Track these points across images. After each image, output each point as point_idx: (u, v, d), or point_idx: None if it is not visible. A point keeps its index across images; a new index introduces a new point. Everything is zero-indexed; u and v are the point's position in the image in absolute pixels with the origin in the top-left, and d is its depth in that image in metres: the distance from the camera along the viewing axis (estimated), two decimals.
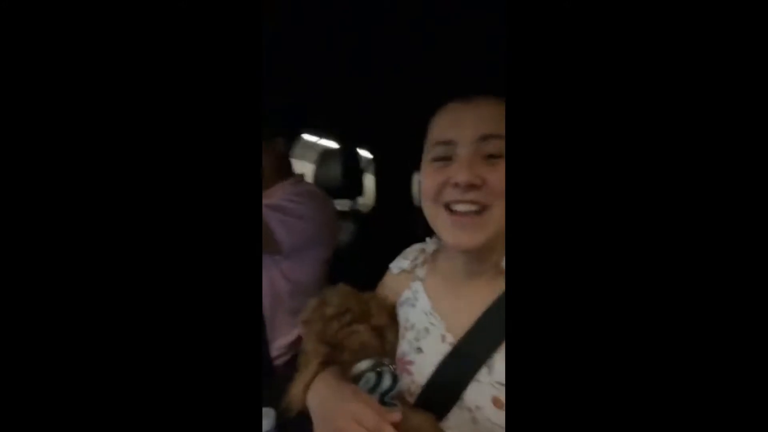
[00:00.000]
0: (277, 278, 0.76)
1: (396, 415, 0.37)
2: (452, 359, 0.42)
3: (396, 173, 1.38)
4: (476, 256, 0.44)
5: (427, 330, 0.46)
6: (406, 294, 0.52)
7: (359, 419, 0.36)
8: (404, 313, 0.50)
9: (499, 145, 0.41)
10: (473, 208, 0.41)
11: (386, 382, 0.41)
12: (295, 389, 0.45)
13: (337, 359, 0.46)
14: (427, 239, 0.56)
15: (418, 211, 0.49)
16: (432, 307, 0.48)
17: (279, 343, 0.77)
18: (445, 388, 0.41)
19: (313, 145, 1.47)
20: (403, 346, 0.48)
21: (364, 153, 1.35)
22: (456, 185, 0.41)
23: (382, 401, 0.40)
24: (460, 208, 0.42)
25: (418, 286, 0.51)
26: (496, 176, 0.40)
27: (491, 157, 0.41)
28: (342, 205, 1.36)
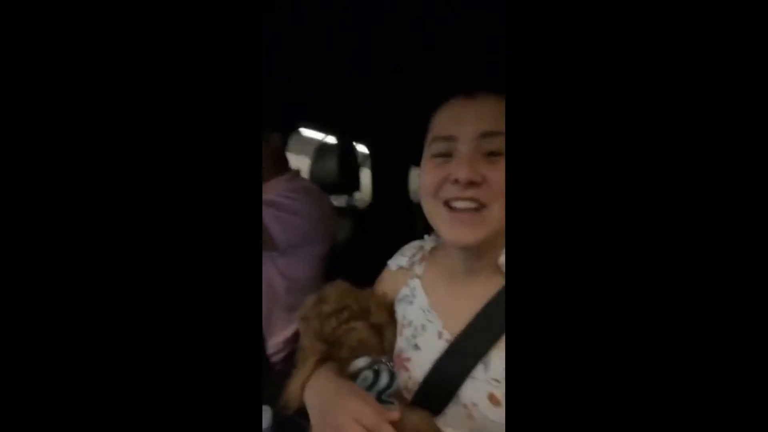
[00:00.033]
0: (273, 275, 0.76)
1: (395, 414, 0.37)
2: (449, 356, 0.42)
3: (393, 169, 1.37)
4: (474, 254, 0.44)
5: (424, 327, 0.46)
6: (404, 291, 0.52)
7: (358, 417, 0.36)
8: (402, 310, 0.50)
9: (500, 143, 0.40)
10: (472, 205, 0.41)
11: (383, 380, 0.41)
12: (293, 386, 0.45)
13: (334, 356, 0.46)
14: (426, 236, 0.56)
15: (416, 207, 0.49)
16: (429, 304, 0.48)
17: (275, 340, 0.77)
18: (442, 385, 0.42)
19: (310, 139, 1.46)
20: (401, 343, 0.48)
21: (361, 148, 1.34)
22: (456, 182, 0.41)
23: (379, 399, 0.40)
24: (459, 204, 0.41)
25: (415, 283, 0.51)
26: (496, 174, 0.40)
27: (492, 154, 0.41)
28: (338, 200, 1.36)
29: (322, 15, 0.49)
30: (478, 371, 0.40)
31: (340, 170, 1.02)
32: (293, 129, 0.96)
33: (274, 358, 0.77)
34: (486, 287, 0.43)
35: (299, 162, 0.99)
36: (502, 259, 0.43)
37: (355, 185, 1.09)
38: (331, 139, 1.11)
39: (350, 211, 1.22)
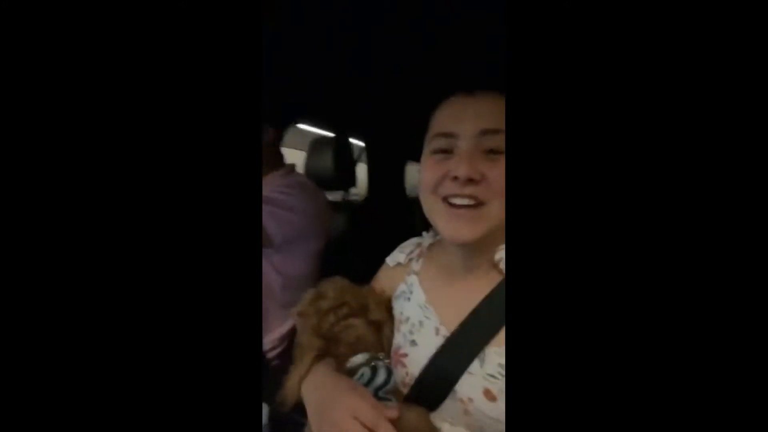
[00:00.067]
0: (268, 271, 0.75)
1: (393, 412, 0.37)
2: (445, 352, 0.42)
3: (389, 164, 1.37)
4: (472, 250, 0.44)
5: (421, 323, 0.46)
6: (402, 287, 0.52)
7: (356, 413, 0.36)
8: (399, 306, 0.51)
9: (499, 141, 0.40)
10: (471, 202, 0.41)
11: (381, 377, 0.42)
12: (290, 382, 0.45)
13: (332, 353, 0.46)
14: (424, 233, 0.56)
15: (413, 203, 0.49)
16: (427, 300, 0.48)
17: (271, 337, 0.77)
18: (438, 380, 0.42)
19: (306, 133, 1.44)
20: (398, 339, 0.48)
21: (357, 143, 1.33)
22: (455, 179, 0.41)
23: (376, 396, 0.40)
24: (458, 201, 0.41)
25: (413, 279, 0.51)
26: (496, 172, 0.40)
27: (491, 152, 0.41)
28: (334, 195, 1.35)
29: (322, 14, 0.49)
30: (474, 367, 0.40)
31: (335, 165, 1.01)
32: (289, 125, 0.95)
33: (270, 355, 0.77)
34: (483, 284, 0.43)
35: (295, 157, 0.98)
36: (498, 255, 0.43)
37: (351, 181, 1.08)
38: (327, 134, 1.10)
39: (346, 206, 1.22)
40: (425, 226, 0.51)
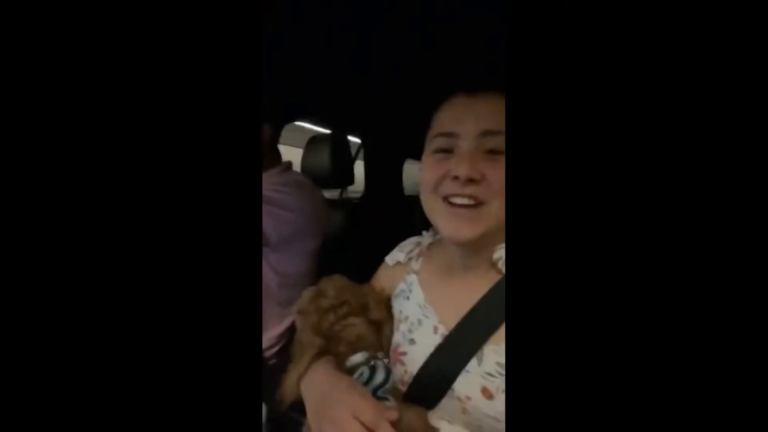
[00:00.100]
0: (265, 270, 0.75)
1: (393, 413, 0.37)
2: (443, 350, 0.43)
3: (387, 161, 1.36)
4: (471, 249, 0.44)
5: (420, 322, 0.47)
6: (401, 286, 0.52)
7: (357, 413, 0.36)
8: (399, 305, 0.51)
9: (500, 142, 0.41)
10: (471, 202, 0.41)
11: (379, 376, 0.42)
12: (290, 380, 0.45)
13: (332, 351, 0.46)
14: (423, 232, 0.56)
15: (411, 200, 0.49)
16: (426, 298, 0.48)
17: (268, 335, 0.77)
18: (437, 379, 0.42)
19: (303, 130, 1.43)
20: (397, 338, 0.48)
21: (354, 140, 1.33)
22: (455, 178, 0.41)
23: (375, 395, 0.40)
24: (458, 201, 0.42)
25: (413, 278, 0.51)
26: (496, 172, 0.40)
27: (492, 152, 0.41)
28: (331, 193, 1.34)
29: (322, 14, 0.49)
30: (472, 365, 0.40)
31: (333, 163, 1.00)
32: (288, 122, 0.94)
33: (267, 353, 0.77)
34: (481, 283, 0.43)
35: (292, 154, 0.97)
36: (497, 254, 0.43)
37: (349, 178, 1.08)
38: (325, 132, 1.09)
39: (343, 204, 1.22)
40: (424, 224, 0.51)
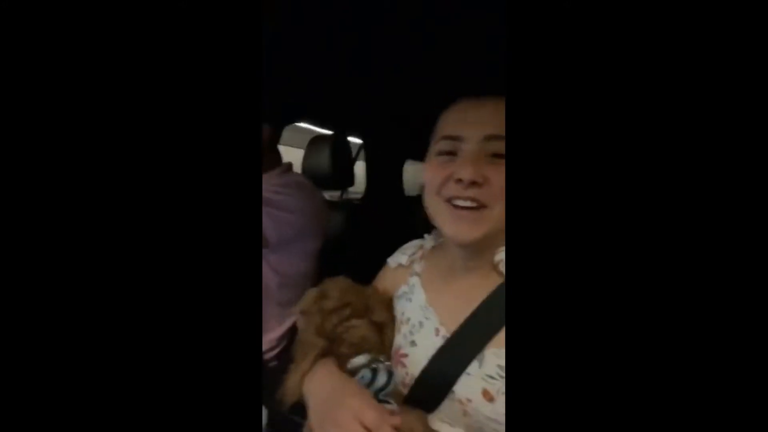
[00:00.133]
0: (265, 271, 0.75)
1: (396, 419, 0.37)
2: (444, 352, 0.43)
3: (387, 162, 1.36)
4: (473, 251, 0.45)
5: (421, 324, 0.46)
6: (403, 288, 0.52)
7: (360, 417, 0.36)
8: (401, 307, 0.51)
9: (504, 146, 0.41)
10: (473, 204, 0.41)
11: (381, 379, 0.42)
12: (292, 380, 0.45)
13: (334, 352, 0.46)
14: (426, 235, 0.56)
15: (411, 201, 0.49)
16: (427, 301, 0.48)
17: (268, 337, 0.77)
18: (437, 381, 0.42)
19: (304, 130, 1.44)
20: (399, 340, 0.48)
21: (355, 141, 1.33)
22: (459, 181, 0.41)
23: (376, 398, 0.40)
24: (460, 203, 0.42)
25: (415, 280, 0.51)
26: (499, 176, 0.40)
27: (495, 156, 0.41)
28: (332, 194, 1.34)
29: (322, 14, 0.49)
30: (473, 368, 0.40)
31: (333, 164, 1.00)
32: (288, 123, 0.94)
33: (267, 355, 0.77)
34: (483, 285, 0.43)
35: (293, 154, 0.97)
36: (497, 257, 0.43)
37: (349, 179, 1.08)
38: (325, 132, 1.09)
39: (344, 205, 1.22)
40: (425, 226, 0.51)
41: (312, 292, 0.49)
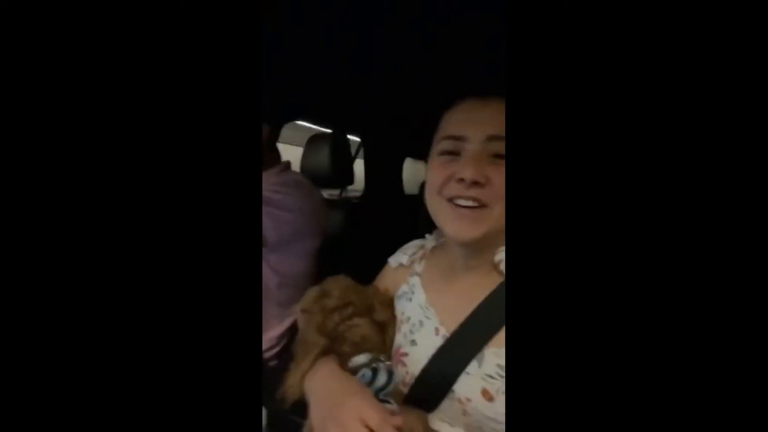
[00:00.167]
0: (265, 271, 0.75)
1: (398, 419, 0.37)
2: (444, 352, 0.43)
3: (387, 161, 1.36)
4: (474, 250, 0.45)
5: (421, 323, 0.47)
6: (404, 288, 0.53)
7: (362, 417, 0.36)
8: (401, 307, 0.51)
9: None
10: (475, 204, 0.41)
11: (382, 378, 0.42)
12: (292, 379, 0.45)
13: (335, 351, 0.46)
14: (427, 235, 0.56)
15: (411, 200, 0.49)
16: (427, 300, 0.48)
17: (268, 336, 0.77)
18: (437, 380, 0.42)
19: (303, 129, 1.43)
20: (399, 339, 0.48)
21: (354, 139, 1.33)
22: (461, 181, 0.41)
23: (377, 397, 0.40)
24: (462, 203, 0.42)
25: (415, 280, 0.52)
26: (501, 176, 0.40)
27: (497, 156, 0.41)
28: (331, 193, 1.34)
29: (322, 14, 0.49)
30: (473, 367, 0.40)
31: (332, 162, 1.00)
32: (287, 122, 0.94)
33: (267, 354, 0.77)
34: (483, 284, 0.43)
35: (292, 153, 0.96)
36: (498, 257, 0.43)
37: (348, 178, 1.07)
38: (325, 131, 1.09)
39: (343, 203, 1.21)
40: (426, 225, 0.51)
41: (313, 291, 0.49)
